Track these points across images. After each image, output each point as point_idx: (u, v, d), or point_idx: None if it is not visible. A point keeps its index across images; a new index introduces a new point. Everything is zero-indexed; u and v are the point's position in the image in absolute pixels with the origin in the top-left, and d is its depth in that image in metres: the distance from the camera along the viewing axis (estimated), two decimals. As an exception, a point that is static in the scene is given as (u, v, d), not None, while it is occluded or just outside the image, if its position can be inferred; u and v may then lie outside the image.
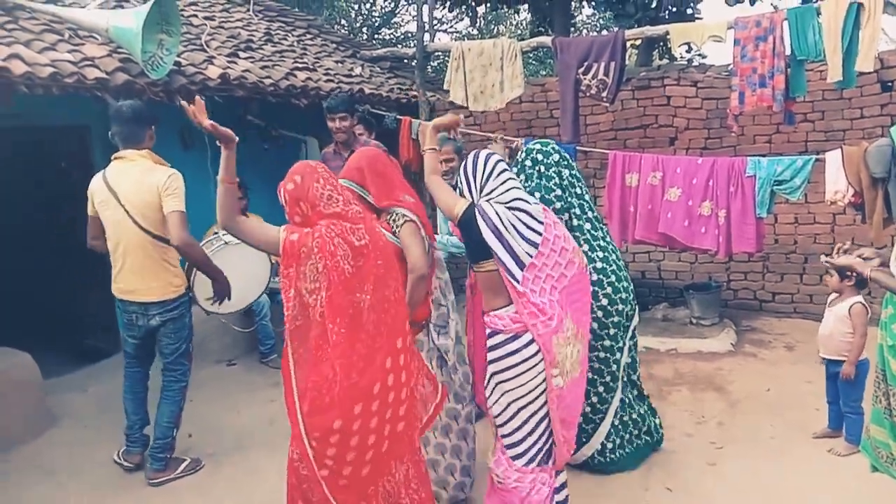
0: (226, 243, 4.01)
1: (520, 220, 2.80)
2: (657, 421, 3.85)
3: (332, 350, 2.36)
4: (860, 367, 3.64)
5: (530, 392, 2.81)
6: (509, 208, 2.81)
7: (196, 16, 6.39)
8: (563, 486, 3.07)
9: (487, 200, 2.84)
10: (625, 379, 3.64)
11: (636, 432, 3.70)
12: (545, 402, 2.86)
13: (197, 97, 2.73)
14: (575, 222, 3.47)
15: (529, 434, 2.87)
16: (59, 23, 4.77)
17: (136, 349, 3.75)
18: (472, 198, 2.88)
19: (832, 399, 3.84)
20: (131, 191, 3.44)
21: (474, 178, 2.89)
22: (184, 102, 2.72)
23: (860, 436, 3.66)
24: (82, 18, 4.79)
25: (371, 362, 2.42)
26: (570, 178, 3.52)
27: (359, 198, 2.95)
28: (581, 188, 3.57)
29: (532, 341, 2.74)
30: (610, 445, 3.59)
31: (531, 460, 2.88)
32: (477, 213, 2.78)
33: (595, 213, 3.60)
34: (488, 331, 2.85)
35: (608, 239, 3.60)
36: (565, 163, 3.54)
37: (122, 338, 3.77)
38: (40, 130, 5.22)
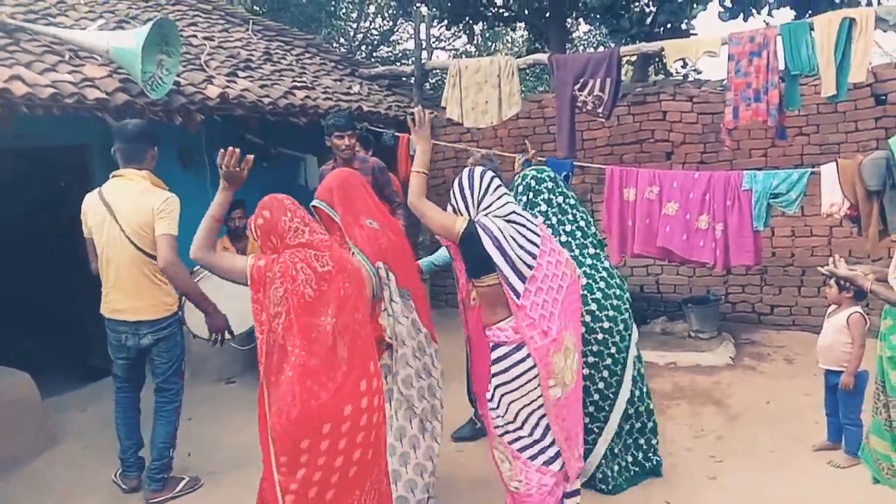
0: None
1: (519, 232, 2.86)
2: (657, 459, 3.74)
3: (291, 371, 2.40)
4: (859, 378, 3.64)
5: (536, 399, 2.88)
6: (507, 221, 2.86)
7: (195, 36, 6.45)
8: (576, 492, 3.11)
9: (486, 215, 2.87)
10: (630, 411, 3.59)
11: (636, 467, 3.64)
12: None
13: (231, 149, 2.75)
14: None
15: (538, 431, 2.93)
16: (59, 44, 4.82)
17: (126, 370, 3.72)
18: (469, 214, 2.91)
19: (831, 411, 3.84)
20: (128, 209, 3.44)
21: (471, 193, 2.91)
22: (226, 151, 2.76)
23: (859, 447, 3.66)
24: (83, 40, 4.83)
25: (343, 384, 2.44)
26: (561, 205, 3.54)
27: (329, 218, 3.02)
28: (575, 214, 3.57)
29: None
30: (610, 473, 3.55)
31: (549, 460, 2.93)
32: (478, 228, 2.81)
33: (591, 240, 3.57)
34: (491, 344, 2.88)
35: (600, 266, 3.54)
36: (559, 190, 3.56)
37: (112, 360, 3.71)
38: (40, 150, 5.25)
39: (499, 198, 2.91)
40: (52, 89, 4.14)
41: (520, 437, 2.94)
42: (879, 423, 3.48)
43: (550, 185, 3.55)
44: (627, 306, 3.57)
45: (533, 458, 2.93)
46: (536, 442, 2.94)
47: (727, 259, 5.05)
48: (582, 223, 3.59)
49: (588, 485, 3.54)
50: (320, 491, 2.43)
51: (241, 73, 5.93)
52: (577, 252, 3.50)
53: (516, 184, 3.63)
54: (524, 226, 2.89)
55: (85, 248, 3.68)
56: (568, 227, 3.54)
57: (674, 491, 3.56)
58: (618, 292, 3.53)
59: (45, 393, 4.34)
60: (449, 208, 3.01)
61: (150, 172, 3.58)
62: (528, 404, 2.88)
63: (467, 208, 2.92)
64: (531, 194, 3.52)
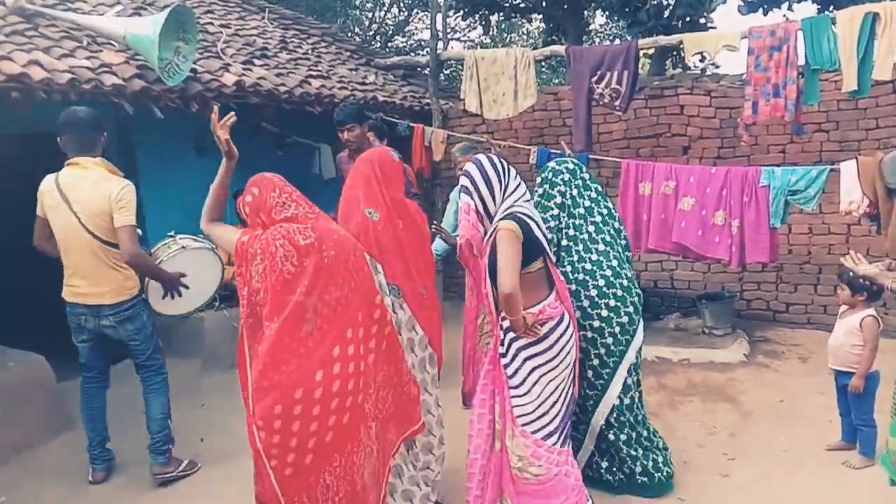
0: (183, 248, 3.75)
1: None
2: (655, 461, 3.48)
3: (265, 341, 2.47)
4: (869, 379, 3.60)
5: (564, 370, 2.98)
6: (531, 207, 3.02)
7: (212, 23, 6.46)
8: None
9: (514, 203, 2.92)
10: (611, 419, 3.40)
11: (622, 472, 3.47)
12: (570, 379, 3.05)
13: (215, 109, 2.81)
14: (564, 242, 3.39)
15: (561, 410, 3.00)
16: (77, 30, 4.84)
17: (89, 353, 3.67)
18: (495, 202, 2.92)
19: (844, 411, 3.80)
20: (84, 197, 3.40)
21: (498, 179, 2.93)
22: (214, 114, 2.83)
23: (874, 448, 3.62)
24: (101, 26, 4.85)
25: (314, 350, 2.49)
26: (575, 198, 3.45)
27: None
28: (591, 208, 3.46)
29: (569, 322, 2.98)
30: (605, 465, 3.47)
31: (562, 440, 3.01)
32: (526, 220, 2.86)
33: (603, 236, 3.42)
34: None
35: (605, 263, 3.36)
36: (576, 182, 3.47)
37: (76, 346, 3.67)
38: (54, 137, 5.27)
39: (519, 184, 2.98)
40: (69, 75, 4.16)
41: (545, 422, 2.96)
42: (896, 424, 3.44)
43: (567, 177, 3.45)
44: (632, 309, 3.35)
45: (554, 441, 2.98)
46: (556, 425, 2.99)
47: (742, 256, 5.01)
48: (598, 218, 3.46)
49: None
50: (298, 456, 2.48)
51: (257, 62, 5.93)
52: (580, 247, 3.38)
53: (541, 175, 3.56)
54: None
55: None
56: (577, 221, 3.43)
57: (686, 488, 3.54)
58: (619, 292, 3.32)
59: (58, 378, 4.37)
60: (464, 198, 2.95)
61: (104, 160, 3.53)
62: (558, 375, 2.96)
63: (492, 194, 2.91)
64: (547, 186, 3.46)
